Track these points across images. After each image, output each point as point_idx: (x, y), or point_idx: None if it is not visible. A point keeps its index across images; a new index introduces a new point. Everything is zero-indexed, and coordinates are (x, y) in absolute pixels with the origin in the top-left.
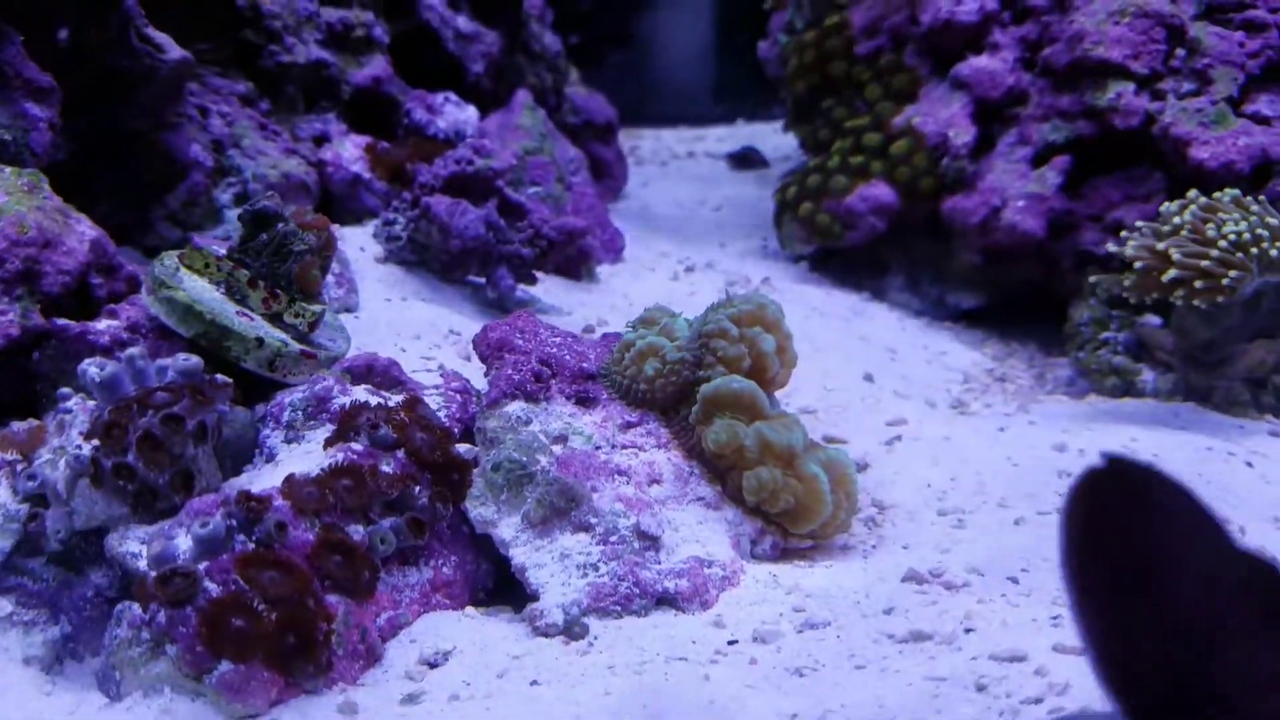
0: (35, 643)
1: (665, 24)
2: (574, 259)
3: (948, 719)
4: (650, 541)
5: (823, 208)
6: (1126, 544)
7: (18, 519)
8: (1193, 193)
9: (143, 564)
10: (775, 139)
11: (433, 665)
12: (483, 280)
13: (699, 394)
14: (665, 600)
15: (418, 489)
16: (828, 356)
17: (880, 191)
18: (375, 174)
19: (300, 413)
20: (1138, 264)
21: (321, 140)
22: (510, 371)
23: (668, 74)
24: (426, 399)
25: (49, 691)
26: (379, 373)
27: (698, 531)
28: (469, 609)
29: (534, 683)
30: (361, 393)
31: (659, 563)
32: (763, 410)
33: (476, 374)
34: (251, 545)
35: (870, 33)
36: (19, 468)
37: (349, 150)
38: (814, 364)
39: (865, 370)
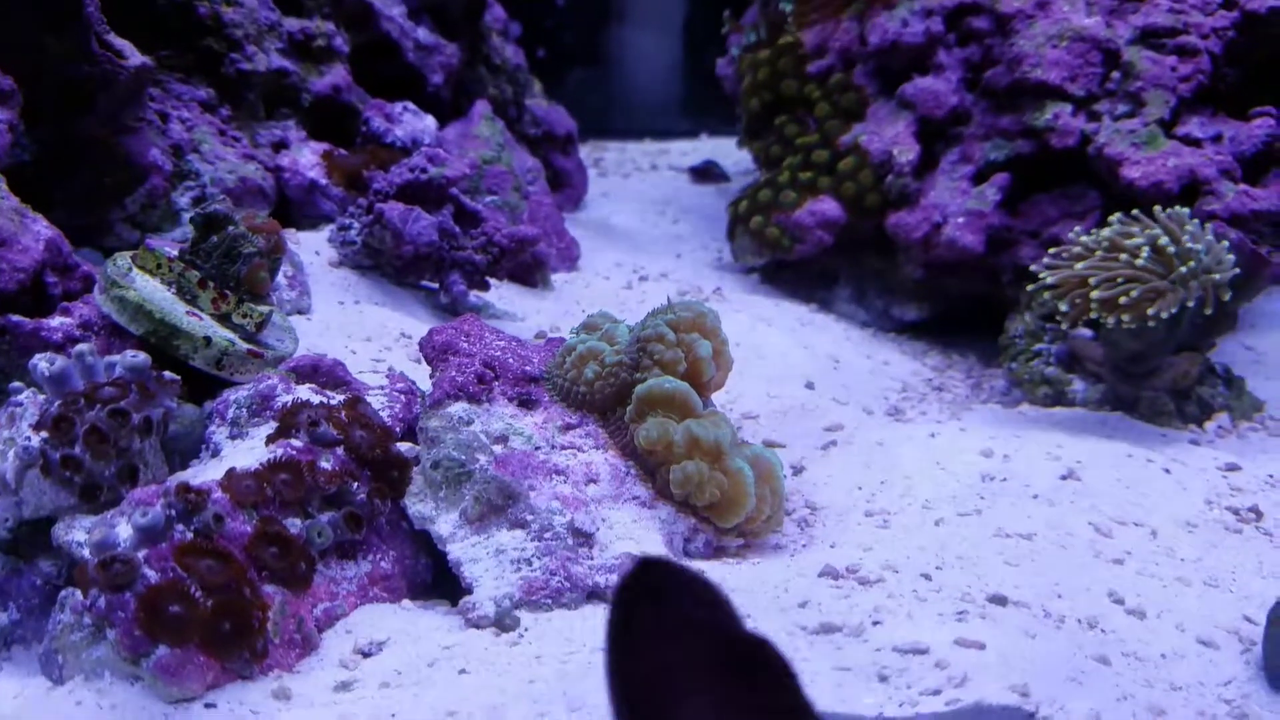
0: None
1: (632, 40)
2: (529, 266)
3: (850, 709)
4: (584, 538)
5: (772, 221)
6: (645, 642)
7: None
8: (1114, 216)
9: (87, 552)
10: (737, 154)
11: (366, 654)
12: (436, 285)
13: (634, 394)
14: (595, 594)
15: (355, 485)
16: (772, 365)
17: (827, 207)
18: (332, 180)
19: (245, 410)
20: (1060, 291)
21: (280, 146)
22: (454, 373)
23: (634, 88)
24: (370, 399)
25: None
26: (324, 372)
27: (632, 529)
28: (405, 602)
29: (462, 671)
30: (305, 391)
31: (591, 558)
32: (694, 410)
33: (426, 377)
34: (190, 535)
35: (821, 52)
36: None
37: (306, 157)
38: (758, 371)
39: (807, 378)
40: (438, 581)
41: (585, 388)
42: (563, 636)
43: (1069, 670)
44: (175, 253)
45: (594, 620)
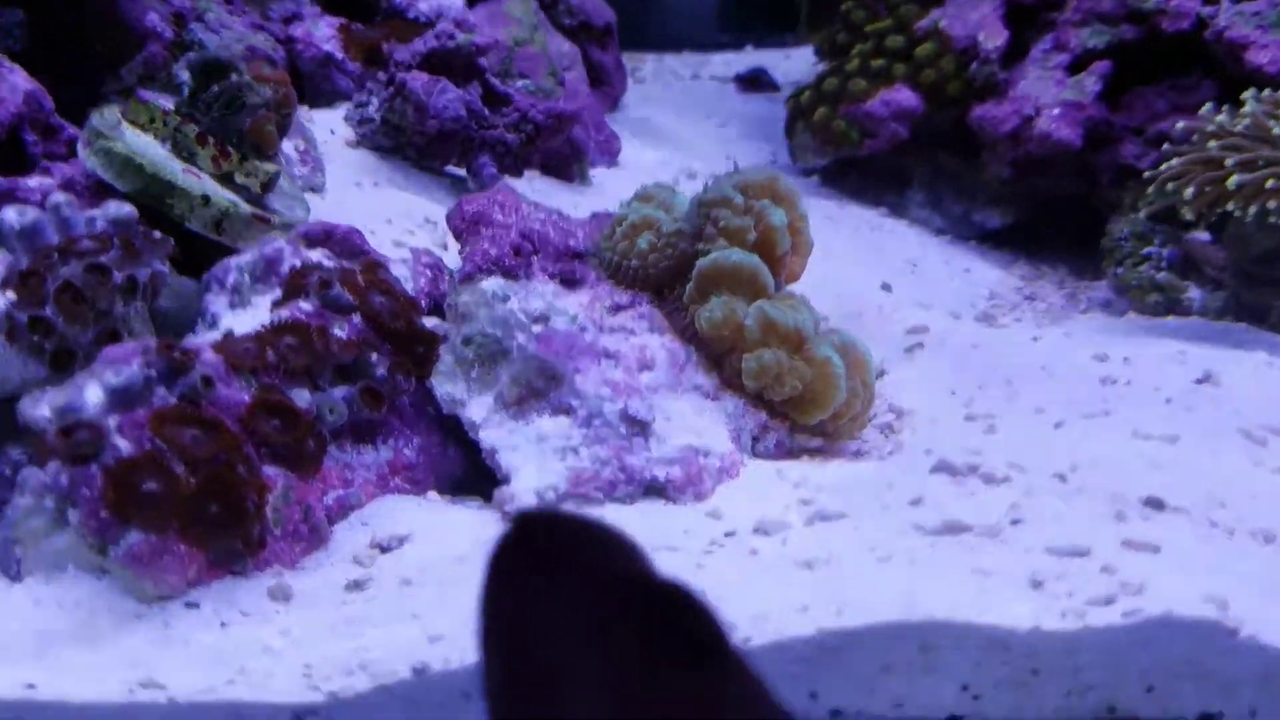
0: None
1: None
2: (565, 156)
3: (997, 619)
4: (639, 428)
5: (840, 113)
6: (527, 604)
7: None
8: (1247, 93)
9: None
10: (787, 65)
11: (385, 549)
12: (463, 171)
13: (695, 268)
14: (654, 489)
15: (375, 356)
16: (842, 264)
17: (903, 96)
18: (349, 55)
19: (247, 275)
20: (1185, 179)
21: (292, 20)
22: (487, 245)
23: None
24: (396, 271)
25: None
26: (338, 240)
27: (693, 422)
28: (432, 494)
29: None
30: (318, 255)
31: (648, 450)
32: (766, 288)
33: (455, 258)
34: (173, 400)
35: None
36: None
37: (321, 30)
38: (826, 270)
39: (883, 279)
40: (469, 477)
41: (638, 262)
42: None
43: (1265, 582)
44: (171, 105)
45: (654, 517)
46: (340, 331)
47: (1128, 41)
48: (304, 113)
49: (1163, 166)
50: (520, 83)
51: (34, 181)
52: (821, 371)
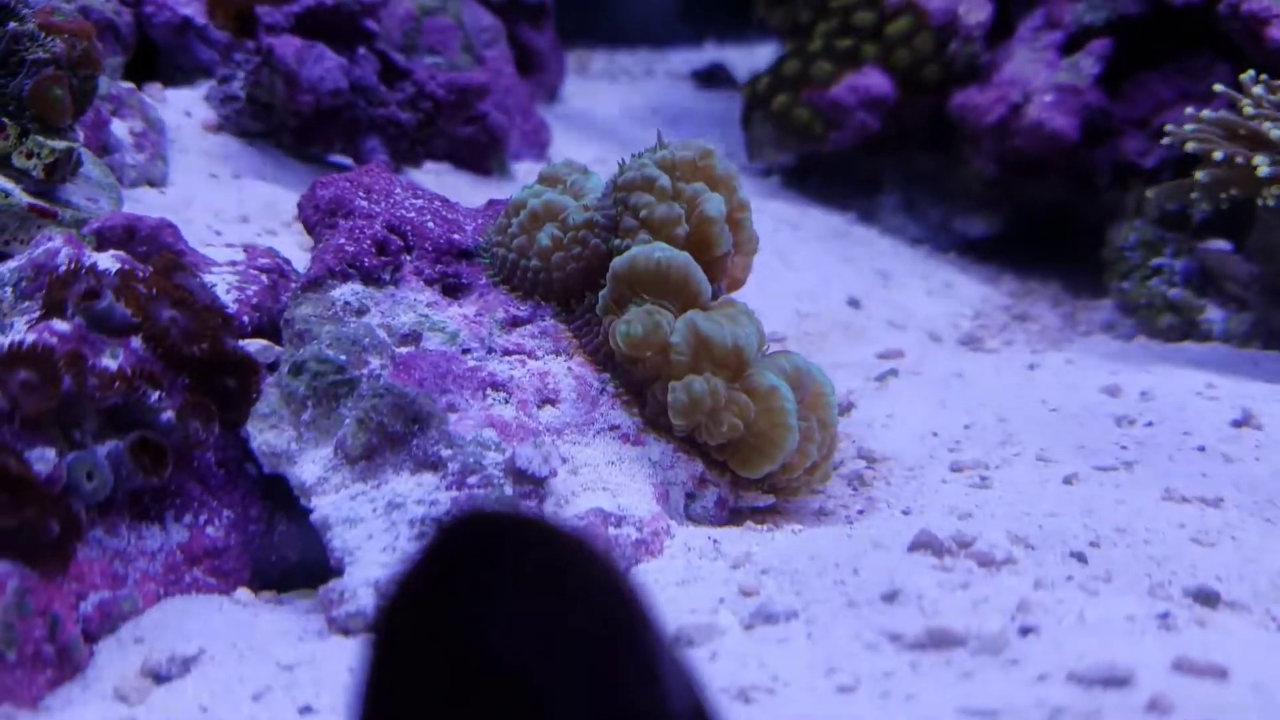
0: None
1: None
2: (480, 145)
3: None
4: (532, 485)
5: (801, 100)
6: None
7: None
8: None
9: None
10: (750, 62)
11: (161, 678)
12: (349, 159)
13: (610, 269)
14: None
15: (157, 396)
16: (802, 275)
17: (873, 81)
18: (214, 20)
19: (9, 289)
20: (1215, 154)
21: None
22: (343, 240)
23: None
24: (214, 277)
25: None
26: (143, 238)
27: (606, 475)
28: (242, 592)
29: (305, 710)
30: (107, 260)
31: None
32: (699, 295)
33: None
34: None
35: None
36: None
37: None
38: (785, 283)
39: (849, 294)
40: (307, 563)
41: (539, 261)
42: None
43: None
44: None
45: None
46: (110, 361)
47: (1129, 17)
48: (154, 90)
49: (1186, 128)
50: (429, 59)
51: None
52: (767, 406)
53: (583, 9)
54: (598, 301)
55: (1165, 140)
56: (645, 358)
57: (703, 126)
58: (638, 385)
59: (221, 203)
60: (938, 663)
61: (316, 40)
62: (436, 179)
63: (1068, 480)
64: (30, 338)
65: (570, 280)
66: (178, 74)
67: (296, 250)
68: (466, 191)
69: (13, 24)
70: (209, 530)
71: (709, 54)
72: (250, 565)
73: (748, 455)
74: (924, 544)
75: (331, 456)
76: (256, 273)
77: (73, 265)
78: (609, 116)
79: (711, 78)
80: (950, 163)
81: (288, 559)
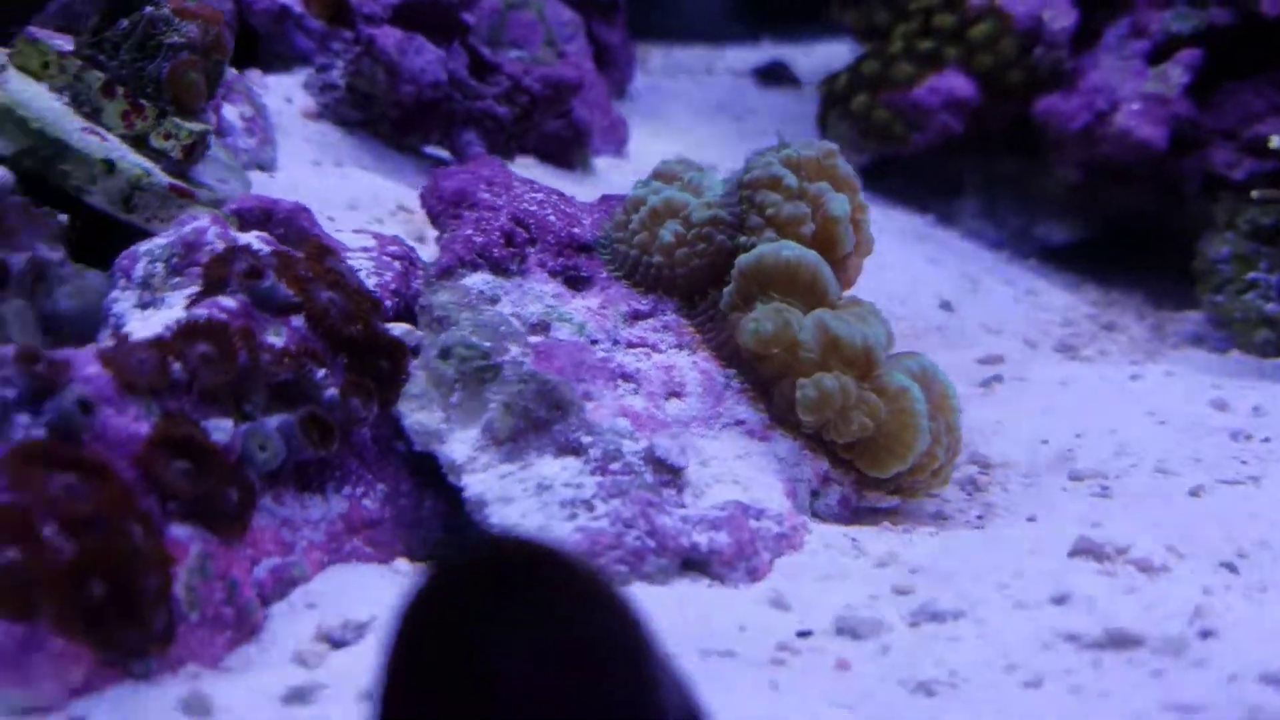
0: None
1: None
2: (566, 140)
3: None
4: (670, 475)
5: (881, 101)
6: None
7: None
8: None
9: None
10: (808, 61)
11: (337, 643)
12: (445, 152)
13: (735, 266)
14: (694, 563)
15: (323, 373)
16: (894, 276)
17: (955, 83)
18: (310, 10)
19: (160, 264)
20: None
21: None
22: (470, 231)
23: None
24: (352, 261)
25: None
26: (280, 220)
27: (735, 468)
28: (400, 561)
29: None
30: (252, 239)
31: (683, 506)
32: (826, 294)
33: (431, 255)
34: (42, 432)
35: None
36: None
37: None
38: (877, 283)
39: (941, 297)
40: (452, 533)
41: (661, 258)
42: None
43: None
44: (70, 46)
45: (697, 606)
46: (275, 339)
47: (1218, 27)
48: (255, 76)
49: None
50: (513, 53)
51: None
52: (898, 406)
53: (639, 4)
54: (721, 297)
55: (1274, 144)
56: (773, 355)
57: (770, 123)
58: (764, 382)
59: (328, 189)
60: (1119, 662)
61: (414, 32)
62: (525, 172)
63: (1194, 493)
64: (203, 312)
65: (693, 276)
66: (276, 61)
67: (407, 238)
68: (551, 183)
69: (149, 8)
70: (365, 502)
71: (766, 51)
72: (402, 537)
73: (877, 455)
74: (1085, 550)
75: (479, 437)
76: (389, 259)
77: (229, 243)
78: (677, 112)
79: (773, 75)
80: (1032, 168)
81: (433, 533)
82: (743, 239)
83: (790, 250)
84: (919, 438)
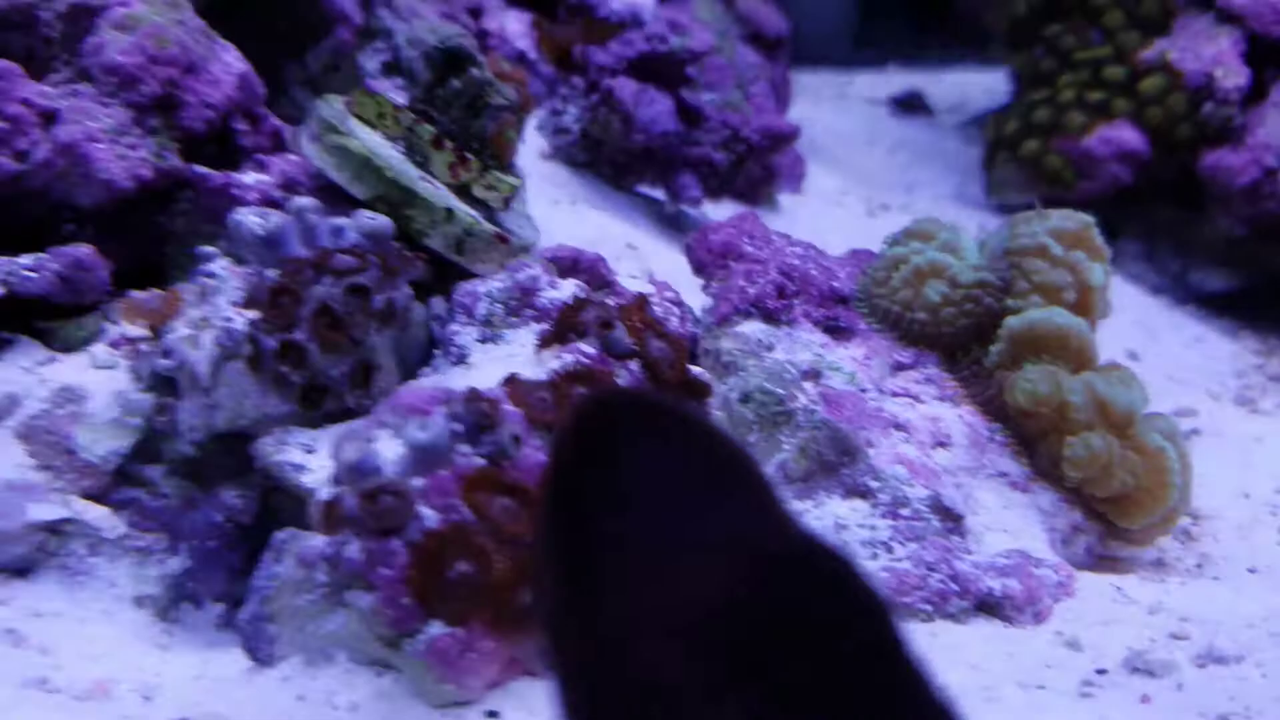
0: (150, 577)
1: None
2: (758, 180)
3: None
4: (954, 522)
5: (1052, 147)
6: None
7: (141, 412)
8: None
9: (306, 478)
10: (937, 89)
11: None
12: (658, 191)
13: (1005, 328)
14: (987, 605)
15: None
16: None
17: (1126, 135)
18: (542, 54)
19: (500, 306)
20: None
21: (477, 13)
22: (743, 283)
23: (809, 11)
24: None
25: (165, 644)
26: (585, 268)
27: (1003, 517)
28: None
29: None
30: (571, 288)
31: (969, 551)
32: (1092, 358)
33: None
34: (479, 460)
35: None
36: (144, 346)
37: (512, 24)
38: None
39: (1125, 345)
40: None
41: (926, 315)
42: (962, 660)
43: None
44: (402, 100)
45: (999, 643)
46: (625, 383)
47: None
48: None
49: None
50: (706, 95)
51: (249, 178)
52: (1155, 465)
53: None
54: (987, 355)
55: None
56: (1040, 413)
57: (918, 154)
58: (1026, 437)
59: (569, 228)
60: None
61: (645, 83)
62: (727, 211)
63: None
64: (571, 359)
65: (958, 334)
66: None
67: (638, 274)
68: None
69: (475, 70)
70: None
71: (894, 78)
72: None
73: (1128, 508)
74: None
75: (775, 474)
76: (669, 304)
77: (576, 297)
78: (832, 145)
79: (909, 105)
80: (1190, 216)
81: None
82: (1010, 302)
83: (1063, 317)
84: (1171, 494)
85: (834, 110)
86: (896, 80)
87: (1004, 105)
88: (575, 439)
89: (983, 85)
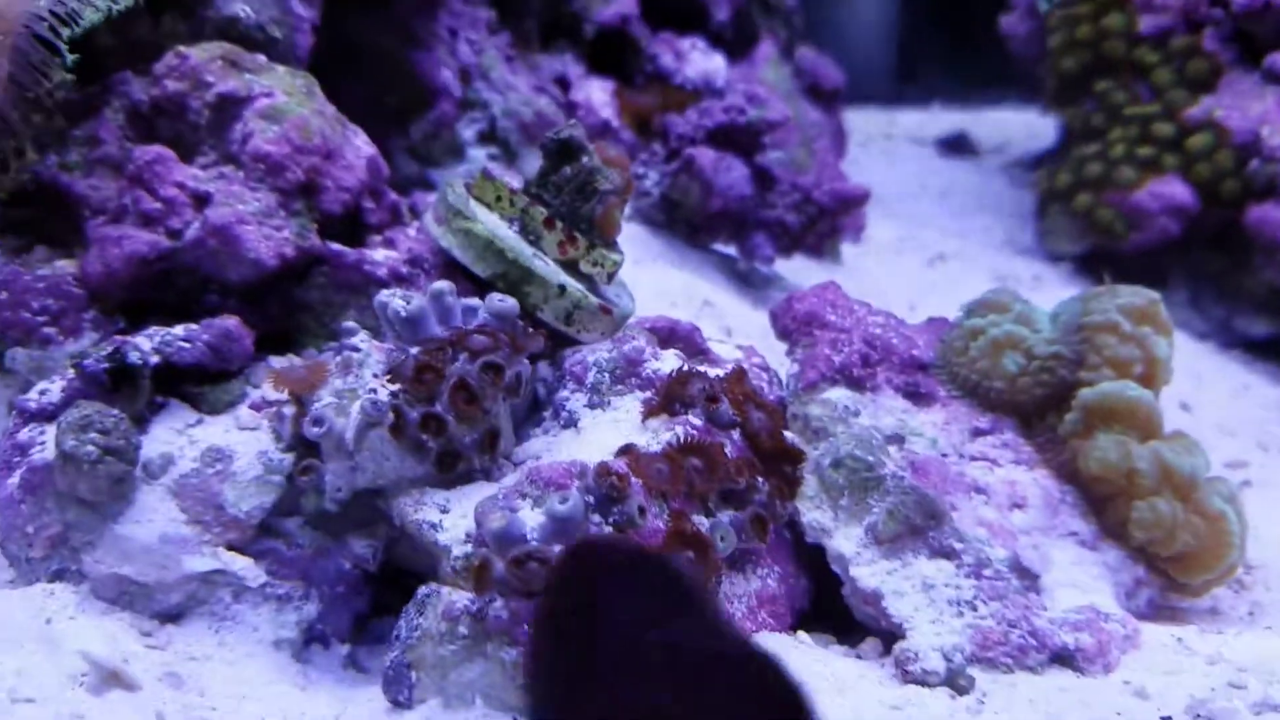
0: (288, 622)
1: None
2: (824, 235)
3: None
4: (1031, 581)
5: (1104, 201)
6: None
7: (282, 470)
8: None
9: (442, 537)
10: (980, 129)
11: None
12: (730, 249)
13: (1078, 399)
14: (1060, 658)
15: (761, 480)
16: None
17: (1175, 190)
18: (623, 122)
19: (607, 375)
20: None
21: (564, 83)
22: (828, 350)
23: (851, 49)
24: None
25: (303, 685)
26: (681, 338)
27: (1074, 575)
28: (801, 634)
29: None
30: (673, 360)
31: (1045, 609)
32: (1158, 428)
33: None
34: (608, 528)
35: (1157, 10)
36: (286, 410)
37: (596, 94)
38: None
39: (1178, 397)
40: (812, 612)
41: (1003, 384)
42: (1039, 710)
43: None
44: (518, 184)
45: (1074, 694)
46: (728, 452)
47: None
48: None
49: None
50: (773, 154)
51: (380, 255)
52: (1216, 528)
53: None
54: (1061, 423)
55: None
56: (1113, 478)
57: (969, 199)
58: (1095, 499)
59: (652, 287)
60: None
61: (724, 151)
62: (785, 263)
63: None
64: (682, 431)
65: (1034, 402)
66: None
67: (716, 331)
68: (805, 272)
69: (586, 158)
70: (769, 581)
71: (939, 117)
72: (790, 611)
73: (1190, 566)
74: None
75: (862, 536)
76: (759, 370)
77: (682, 369)
78: (885, 191)
79: (956, 146)
80: (1235, 265)
81: (802, 607)
82: (1082, 374)
83: (1133, 390)
84: (1231, 555)
85: (883, 154)
86: (942, 119)
87: (1049, 151)
88: (562, 579)
89: (1024, 124)
